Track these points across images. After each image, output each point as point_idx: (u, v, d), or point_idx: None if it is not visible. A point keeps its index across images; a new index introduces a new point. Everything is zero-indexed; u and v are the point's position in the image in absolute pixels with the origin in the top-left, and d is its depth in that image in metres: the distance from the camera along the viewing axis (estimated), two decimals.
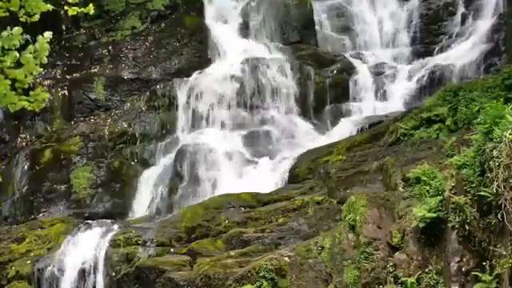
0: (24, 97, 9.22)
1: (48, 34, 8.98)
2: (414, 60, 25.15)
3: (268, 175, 20.84)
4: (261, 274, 14.55)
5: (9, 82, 9.07)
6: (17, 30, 8.87)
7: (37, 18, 9.08)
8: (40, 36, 8.97)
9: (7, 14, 9.12)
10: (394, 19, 26.64)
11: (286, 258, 14.83)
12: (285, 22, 26.19)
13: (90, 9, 9.68)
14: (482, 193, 12.55)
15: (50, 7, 9.11)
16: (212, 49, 25.39)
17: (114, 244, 17.74)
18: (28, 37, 9.12)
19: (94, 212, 21.64)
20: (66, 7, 9.57)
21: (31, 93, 9.29)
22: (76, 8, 9.57)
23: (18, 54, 8.94)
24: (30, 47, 8.94)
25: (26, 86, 9.18)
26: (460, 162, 13.20)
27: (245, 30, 26.17)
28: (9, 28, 8.94)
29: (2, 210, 22.20)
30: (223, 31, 25.87)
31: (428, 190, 14.13)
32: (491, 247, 12.38)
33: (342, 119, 23.12)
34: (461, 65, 23.24)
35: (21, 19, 9.10)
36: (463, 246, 12.84)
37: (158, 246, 17.57)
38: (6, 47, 8.83)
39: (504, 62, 22.20)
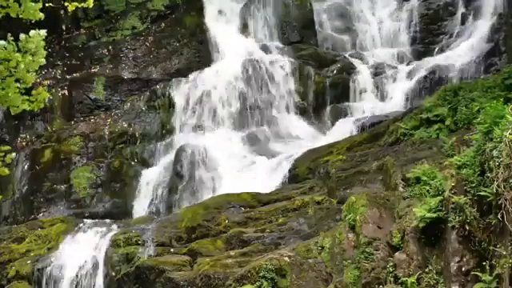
0: (25, 96, 9.26)
1: (43, 32, 9.04)
2: (414, 60, 25.16)
3: (268, 175, 20.84)
4: (261, 274, 14.54)
5: (18, 85, 9.13)
6: (34, 33, 8.93)
7: (30, 17, 9.13)
8: (33, 31, 9.01)
9: None
10: (393, 19, 26.64)
11: (286, 258, 14.83)
12: (285, 21, 26.18)
13: (90, 3, 9.71)
14: (482, 193, 12.56)
15: (42, 16, 9.16)
16: (212, 49, 25.38)
17: (114, 244, 17.75)
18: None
19: (94, 212, 21.64)
20: (66, 3, 9.61)
21: (33, 92, 9.33)
22: (75, 3, 9.61)
23: (22, 55, 8.99)
24: (33, 45, 8.98)
25: (30, 85, 9.23)
26: (460, 161, 13.21)
27: (245, 29, 26.17)
28: (9, 35, 8.99)
29: (2, 210, 22.20)
30: (223, 31, 25.86)
31: (428, 190, 14.13)
32: (491, 247, 12.38)
33: (342, 119, 23.12)
34: (461, 65, 23.25)
35: (13, 16, 9.14)
36: (463, 246, 12.85)
37: (158, 245, 17.58)
38: (22, 50, 8.88)
39: (504, 62, 22.22)
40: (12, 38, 8.88)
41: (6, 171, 9.85)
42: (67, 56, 25.36)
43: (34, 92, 9.27)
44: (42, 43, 9.03)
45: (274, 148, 22.40)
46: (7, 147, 9.87)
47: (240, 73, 23.99)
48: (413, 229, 13.79)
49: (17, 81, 9.15)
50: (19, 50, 8.87)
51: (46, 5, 9.26)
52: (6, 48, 8.83)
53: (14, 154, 9.74)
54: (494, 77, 19.34)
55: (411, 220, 13.91)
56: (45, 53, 9.11)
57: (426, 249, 13.57)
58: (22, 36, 8.86)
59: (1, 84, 9.02)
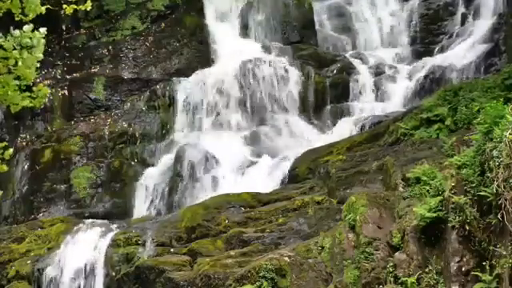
0: (26, 93, 9.28)
1: (43, 30, 9.05)
2: (414, 60, 25.17)
3: (268, 175, 20.84)
4: (261, 274, 14.54)
5: (17, 83, 9.14)
6: (28, 27, 8.93)
7: (31, 17, 9.14)
8: (26, 26, 9.02)
9: None
10: (394, 19, 26.65)
11: (286, 258, 14.83)
12: (285, 21, 26.19)
13: (88, 5, 9.71)
14: (482, 193, 12.56)
15: (43, 10, 9.18)
16: (212, 49, 25.38)
17: (114, 244, 17.75)
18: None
19: (94, 212, 21.64)
20: (64, 5, 9.61)
21: (34, 88, 9.35)
22: (73, 5, 9.62)
23: (19, 52, 9.00)
24: (28, 40, 8.99)
25: (31, 80, 9.23)
26: (460, 161, 13.21)
27: (245, 29, 26.17)
28: (12, 28, 9.01)
29: (2, 210, 22.20)
30: (223, 31, 25.87)
31: (428, 190, 14.13)
32: (491, 247, 12.38)
33: (342, 119, 23.11)
34: (461, 65, 23.25)
35: (16, 18, 9.15)
36: (463, 246, 12.85)
37: (158, 245, 17.57)
38: (17, 47, 8.89)
39: (504, 62, 22.22)
40: (17, 31, 8.89)
41: (5, 168, 9.86)
42: (67, 56, 25.36)
43: (34, 88, 9.29)
44: (42, 41, 9.05)
45: (273, 148, 22.39)
46: (4, 143, 9.88)
47: (240, 73, 23.97)
48: (413, 229, 13.79)
49: (17, 78, 9.16)
50: (21, 46, 8.88)
51: (44, 7, 9.25)
52: (3, 46, 8.85)
53: (11, 150, 9.73)
54: (494, 77, 19.34)
55: (411, 220, 13.91)
56: (43, 47, 9.10)
57: (426, 249, 13.57)
58: (17, 32, 8.86)
59: (0, 82, 9.04)
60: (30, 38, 8.93)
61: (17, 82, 9.14)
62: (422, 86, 23.25)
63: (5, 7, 8.99)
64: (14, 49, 8.90)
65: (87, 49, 25.52)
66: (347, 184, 17.74)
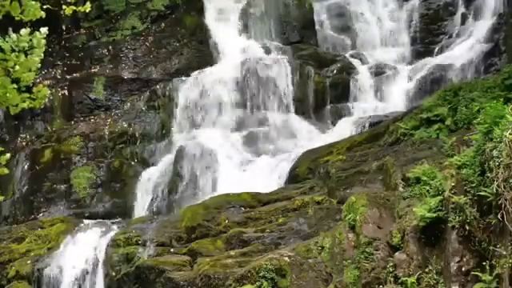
0: (26, 94, 9.26)
1: (44, 30, 9.04)
2: (414, 60, 25.17)
3: (268, 175, 20.83)
4: (261, 274, 14.54)
5: (15, 86, 9.13)
6: (25, 31, 8.92)
7: (31, 17, 9.12)
8: (23, 30, 9.01)
9: None
10: (394, 19, 26.66)
11: (286, 258, 14.83)
12: (285, 21, 26.19)
13: (87, 7, 9.70)
14: (482, 193, 12.56)
15: (43, 14, 9.17)
16: (212, 49, 25.38)
17: (114, 244, 17.75)
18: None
19: (94, 212, 21.65)
20: (63, 6, 9.60)
21: (34, 89, 9.34)
22: (72, 7, 9.60)
23: (16, 55, 8.98)
24: (26, 44, 8.98)
25: (30, 81, 9.22)
26: (460, 161, 13.21)
27: (245, 30, 26.17)
28: (10, 29, 8.99)
29: (2, 210, 22.21)
30: (223, 31, 25.87)
31: (428, 190, 14.12)
32: (491, 247, 12.38)
33: (342, 119, 23.12)
34: (461, 65, 23.26)
35: (16, 19, 9.13)
36: (463, 246, 12.85)
37: (158, 245, 17.58)
38: (16, 49, 8.87)
39: (504, 62, 22.23)
40: (14, 35, 8.88)
41: (6, 171, 9.85)
42: (67, 56, 25.36)
43: (34, 89, 9.28)
44: (43, 41, 9.03)
45: (273, 148, 22.40)
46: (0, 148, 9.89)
47: (240, 73, 23.97)
48: (413, 229, 13.79)
49: (17, 80, 9.15)
50: (14, 50, 8.86)
51: (44, 7, 9.23)
52: (0, 47, 8.84)
53: (8, 155, 9.70)
54: (494, 77, 19.35)
55: (411, 220, 13.91)
56: (42, 49, 9.09)
57: (426, 249, 13.57)
58: (14, 36, 8.85)
59: None
60: (30, 41, 8.92)
61: (15, 86, 9.12)
62: (422, 86, 23.26)
63: (4, 10, 8.98)
64: (13, 51, 8.88)
65: (87, 49, 25.52)
66: (347, 184, 17.74)
